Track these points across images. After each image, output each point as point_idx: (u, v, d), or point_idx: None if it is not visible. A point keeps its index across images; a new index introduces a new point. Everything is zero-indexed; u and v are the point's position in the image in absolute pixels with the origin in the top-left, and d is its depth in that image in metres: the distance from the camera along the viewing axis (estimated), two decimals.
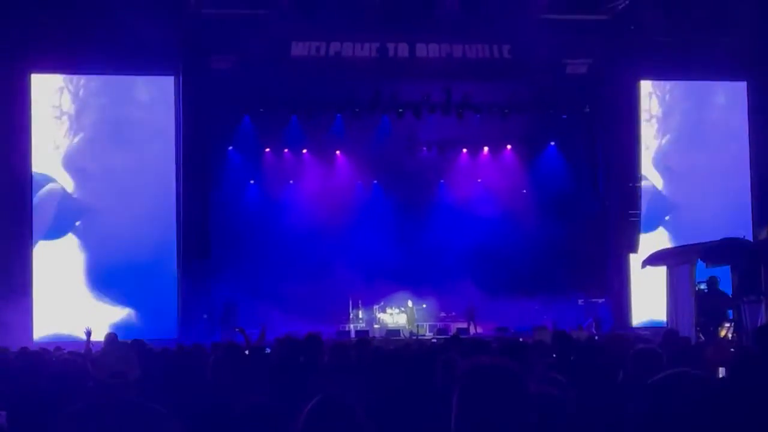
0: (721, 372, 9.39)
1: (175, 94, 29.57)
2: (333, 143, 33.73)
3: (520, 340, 21.45)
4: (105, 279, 28.84)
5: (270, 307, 29.79)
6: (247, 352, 12.20)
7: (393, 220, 33.48)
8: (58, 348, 17.02)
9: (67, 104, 29.20)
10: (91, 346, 14.98)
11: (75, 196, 29.19)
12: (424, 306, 32.32)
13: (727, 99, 32.26)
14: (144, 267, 28.78)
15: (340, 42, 30.43)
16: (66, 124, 29.21)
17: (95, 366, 6.44)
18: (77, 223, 29.21)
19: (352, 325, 31.36)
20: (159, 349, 13.53)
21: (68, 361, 10.24)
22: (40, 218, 28.86)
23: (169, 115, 29.59)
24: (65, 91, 29.21)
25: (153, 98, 29.75)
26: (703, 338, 19.41)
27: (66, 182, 29.14)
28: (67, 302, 28.28)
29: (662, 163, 31.95)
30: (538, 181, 34.20)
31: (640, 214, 31.25)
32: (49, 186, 29.03)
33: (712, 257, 20.86)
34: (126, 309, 28.62)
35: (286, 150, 33.88)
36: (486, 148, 34.69)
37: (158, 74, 29.68)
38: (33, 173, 28.81)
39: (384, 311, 32.33)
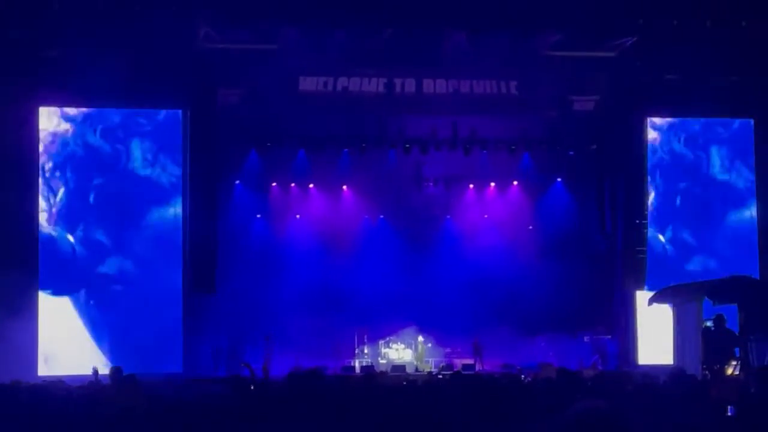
0: (729, 410, 9.34)
1: (182, 128, 29.65)
2: (340, 178, 33.71)
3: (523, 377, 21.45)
4: (106, 310, 28.80)
5: (275, 341, 29.82)
6: (252, 387, 12.17)
7: (399, 255, 33.40)
8: (61, 381, 16.99)
9: (73, 137, 29.25)
10: (99, 378, 14.97)
11: (80, 232, 29.19)
12: (430, 345, 32.20)
13: (735, 136, 32.22)
14: (149, 301, 28.78)
15: (348, 77, 30.55)
16: (73, 156, 29.28)
17: (102, 400, 6.43)
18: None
19: (357, 361, 31.28)
20: (164, 383, 13.49)
21: (75, 395, 10.21)
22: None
23: (176, 149, 29.65)
24: (71, 125, 29.29)
25: (160, 130, 29.80)
26: (709, 376, 19.34)
27: (71, 219, 29.16)
28: (70, 334, 28.30)
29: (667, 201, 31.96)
30: (544, 217, 34.12)
31: (645, 251, 31.18)
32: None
33: (718, 295, 20.83)
34: (130, 341, 28.58)
35: (293, 184, 33.87)
36: (492, 184, 34.65)
37: (166, 107, 29.76)
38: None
39: (389, 346, 32.24)
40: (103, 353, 28.43)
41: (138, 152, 29.69)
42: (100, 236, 29.23)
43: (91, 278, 29.08)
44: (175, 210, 29.55)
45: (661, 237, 31.87)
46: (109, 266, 29.10)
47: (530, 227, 34.29)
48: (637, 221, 31.30)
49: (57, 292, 28.89)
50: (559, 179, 34.14)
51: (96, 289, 29.02)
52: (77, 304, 28.90)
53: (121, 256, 29.13)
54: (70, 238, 29.14)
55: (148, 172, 29.66)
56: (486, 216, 34.57)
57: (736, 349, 20.13)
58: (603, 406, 4.44)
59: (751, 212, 31.92)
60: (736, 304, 20.65)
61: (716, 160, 32.19)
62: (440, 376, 25.96)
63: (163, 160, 29.74)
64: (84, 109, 29.42)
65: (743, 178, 32.13)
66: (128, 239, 29.26)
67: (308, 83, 30.46)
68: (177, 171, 29.65)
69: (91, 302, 28.96)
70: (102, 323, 28.91)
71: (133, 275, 28.97)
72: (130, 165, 29.63)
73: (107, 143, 29.52)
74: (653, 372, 21.42)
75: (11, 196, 28.42)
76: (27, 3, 27.28)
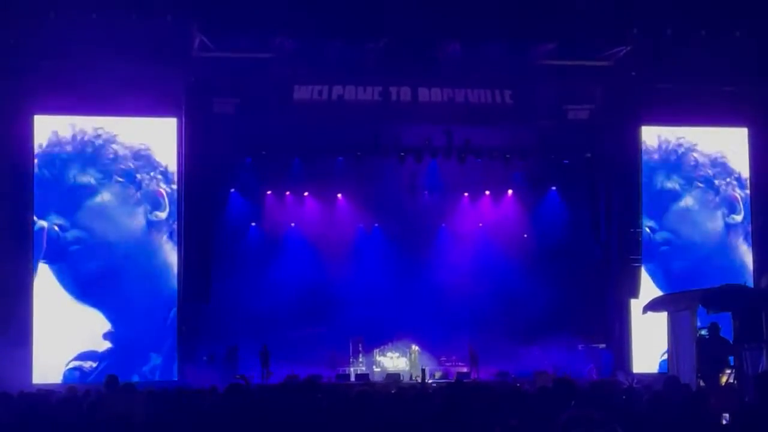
0: (725, 419, 9.37)
1: (177, 137, 29.64)
2: (334, 186, 33.76)
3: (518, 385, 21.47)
4: (93, 306, 28.75)
5: (270, 350, 29.81)
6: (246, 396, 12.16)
7: (394, 264, 33.40)
8: (54, 391, 16.96)
9: (69, 143, 29.21)
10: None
11: (73, 236, 29.12)
12: (424, 354, 32.20)
13: (729, 145, 32.26)
14: (144, 309, 28.76)
15: (343, 86, 30.59)
16: (68, 165, 29.23)
17: (99, 409, 6.44)
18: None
19: (352, 369, 31.27)
20: (160, 391, 13.48)
21: (72, 403, 10.20)
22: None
23: (171, 158, 29.65)
24: (68, 131, 29.25)
25: (156, 140, 29.77)
26: (704, 385, 19.34)
27: (64, 221, 29.07)
28: (65, 346, 28.26)
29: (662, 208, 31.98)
30: (539, 225, 34.16)
31: (641, 259, 31.20)
32: (40, 223, 28.99)
33: (713, 303, 20.79)
34: (125, 350, 28.57)
35: (287, 193, 33.91)
36: (487, 192, 34.71)
37: (161, 116, 29.74)
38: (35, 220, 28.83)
39: (384, 355, 32.25)
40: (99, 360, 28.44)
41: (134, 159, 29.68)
42: (95, 243, 29.17)
43: (82, 285, 29.01)
44: (170, 218, 29.49)
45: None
46: (103, 273, 29.02)
47: (525, 235, 34.34)
48: (632, 230, 31.32)
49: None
50: (553, 188, 34.20)
51: (88, 297, 28.95)
52: (67, 305, 28.80)
53: (116, 263, 29.05)
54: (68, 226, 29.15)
55: (143, 180, 29.61)
56: (481, 224, 34.61)
57: (731, 358, 20.11)
58: (594, 414, 4.49)
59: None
60: (730, 313, 20.63)
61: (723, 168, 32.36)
62: (434, 385, 25.99)
63: (158, 168, 29.71)
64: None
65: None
66: (123, 247, 29.18)
67: (303, 92, 30.51)
68: (172, 179, 29.61)
69: (85, 309, 28.88)
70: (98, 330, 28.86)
71: (128, 284, 28.90)
72: (125, 172, 29.60)
73: (103, 149, 29.50)
74: (648, 380, 21.51)
75: (8, 205, 28.51)
76: (24, 12, 27.30)
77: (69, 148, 29.14)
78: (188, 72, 29.18)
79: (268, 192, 33.81)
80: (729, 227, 32.01)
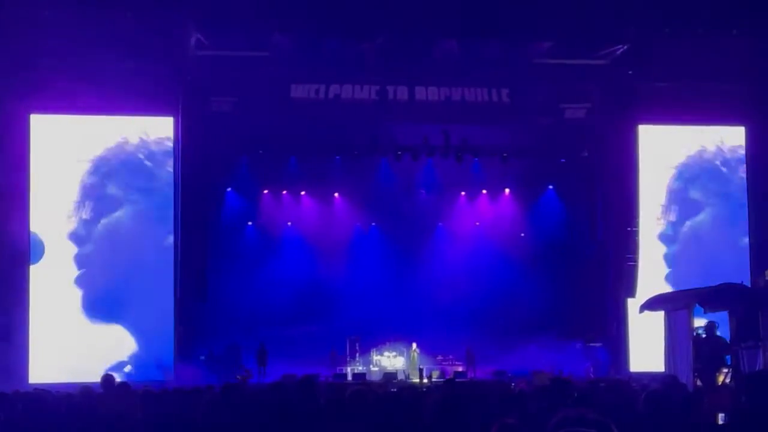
0: (721, 418, 9.34)
1: (174, 135, 29.60)
2: (331, 185, 33.77)
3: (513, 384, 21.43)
4: (102, 318, 28.70)
5: (267, 348, 29.78)
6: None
7: (391, 263, 33.43)
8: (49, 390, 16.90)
9: (66, 142, 29.17)
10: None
11: (72, 237, 29.10)
12: (421, 353, 32.20)
13: (726, 144, 32.26)
14: (141, 308, 28.71)
15: (340, 84, 30.54)
16: (64, 162, 29.19)
17: (96, 408, 6.41)
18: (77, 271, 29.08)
19: (349, 368, 31.25)
20: (157, 391, 13.43)
21: (68, 403, 10.15)
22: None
23: (167, 156, 29.60)
24: (65, 130, 29.23)
25: (152, 139, 29.74)
26: (700, 384, 19.32)
27: (63, 223, 29.05)
28: (63, 344, 28.19)
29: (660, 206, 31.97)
30: (536, 224, 34.20)
31: (637, 258, 31.17)
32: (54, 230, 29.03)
33: (710, 303, 20.78)
34: (122, 350, 28.53)
35: (284, 192, 33.91)
36: (484, 191, 34.72)
37: (158, 115, 29.69)
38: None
39: (381, 354, 32.23)
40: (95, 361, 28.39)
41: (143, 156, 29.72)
42: (93, 243, 29.13)
43: (81, 284, 28.98)
44: (167, 218, 29.44)
45: None
46: (101, 273, 28.98)
47: (522, 234, 34.36)
48: (628, 228, 31.30)
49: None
50: (550, 187, 34.23)
51: (87, 296, 28.91)
52: (67, 303, 28.75)
53: (113, 263, 28.99)
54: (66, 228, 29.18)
55: (145, 177, 29.65)
56: (478, 223, 34.64)
57: (728, 357, 20.10)
58: (588, 414, 4.46)
59: None
60: (727, 312, 20.62)
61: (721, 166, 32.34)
62: (431, 384, 25.95)
63: (155, 167, 29.69)
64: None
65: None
66: (121, 248, 29.14)
67: (300, 90, 30.45)
68: (169, 178, 29.56)
69: (83, 306, 28.84)
70: (94, 324, 28.78)
71: (126, 282, 28.85)
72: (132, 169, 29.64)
73: (117, 145, 29.56)
74: (645, 379, 21.48)
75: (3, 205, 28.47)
76: (20, 11, 27.22)
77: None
78: (185, 70, 29.14)
79: (265, 191, 33.81)
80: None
